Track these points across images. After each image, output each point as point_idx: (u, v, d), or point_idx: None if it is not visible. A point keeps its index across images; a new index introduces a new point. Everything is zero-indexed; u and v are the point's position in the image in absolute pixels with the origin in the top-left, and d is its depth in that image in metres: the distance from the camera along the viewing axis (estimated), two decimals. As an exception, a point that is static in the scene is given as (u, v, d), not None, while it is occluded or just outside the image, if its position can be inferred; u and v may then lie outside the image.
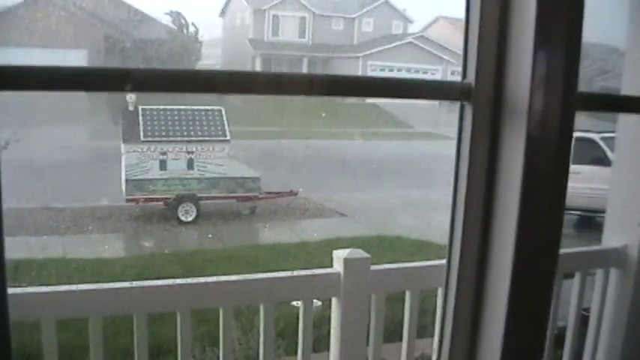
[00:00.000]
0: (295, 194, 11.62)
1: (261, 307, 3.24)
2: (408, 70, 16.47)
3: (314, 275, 3.47)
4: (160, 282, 3.21)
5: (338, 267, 3.33)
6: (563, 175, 2.14)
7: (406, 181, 13.31)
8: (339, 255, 3.32)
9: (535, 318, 2.29)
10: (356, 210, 11.94)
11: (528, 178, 2.03)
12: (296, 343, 3.41)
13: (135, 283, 3.16)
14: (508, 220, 2.14)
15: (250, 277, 3.33)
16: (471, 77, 2.14)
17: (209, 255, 9.91)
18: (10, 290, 2.86)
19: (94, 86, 1.96)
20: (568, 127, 2.12)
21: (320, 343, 3.68)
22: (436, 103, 16.87)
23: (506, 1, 2.07)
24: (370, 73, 16.50)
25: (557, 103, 2.07)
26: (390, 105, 16.08)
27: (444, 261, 3.77)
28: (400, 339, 3.64)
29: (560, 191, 2.15)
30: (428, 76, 16.83)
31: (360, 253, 3.38)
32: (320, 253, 9.78)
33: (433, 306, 3.69)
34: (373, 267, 3.38)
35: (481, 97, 2.14)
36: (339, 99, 16.47)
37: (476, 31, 2.12)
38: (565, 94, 2.09)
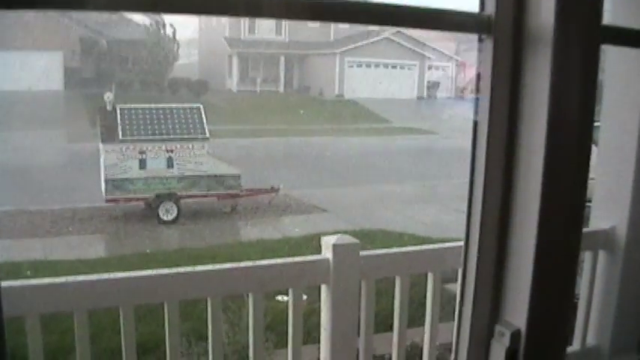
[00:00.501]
0: (276, 191, 11.58)
1: (250, 297, 3.19)
2: (386, 65, 16.52)
3: (303, 262, 3.43)
4: (146, 272, 3.16)
5: (327, 253, 3.30)
6: (589, 112, 2.05)
7: (386, 175, 13.31)
8: (328, 241, 3.29)
9: (560, 296, 2.24)
10: (337, 205, 11.93)
11: (553, 114, 1.97)
12: (283, 337, 3.37)
13: (120, 274, 3.11)
14: (533, 164, 2.07)
15: (239, 266, 3.28)
16: (491, 8, 2.04)
17: (191, 253, 9.84)
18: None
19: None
20: (593, 61, 2.05)
21: (307, 336, 3.63)
22: (414, 97, 16.97)
23: None
24: (347, 69, 16.52)
25: (582, 35, 1.99)
26: (369, 101, 16.11)
27: (431, 246, 3.74)
28: (388, 330, 3.62)
29: (585, 131, 2.07)
30: (405, 72, 16.89)
31: (349, 239, 3.35)
32: (303, 248, 9.75)
33: (420, 295, 3.67)
34: (362, 252, 3.35)
35: (502, 28, 2.04)
36: (316, 95, 16.50)
37: None
38: (590, 26, 2.02)
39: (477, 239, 2.26)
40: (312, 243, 10.05)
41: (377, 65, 16.26)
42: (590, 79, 2.06)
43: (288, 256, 9.15)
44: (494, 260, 2.24)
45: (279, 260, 3.39)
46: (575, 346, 3.48)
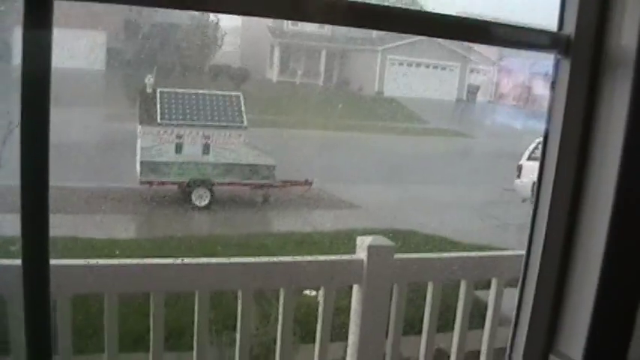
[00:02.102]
0: (310, 184, 11.55)
1: (282, 292, 3.19)
2: (427, 65, 16.39)
3: (337, 261, 3.43)
4: (180, 261, 3.17)
5: (361, 254, 3.29)
6: None
7: (420, 176, 13.24)
8: (364, 242, 3.28)
9: (621, 331, 2.15)
10: (370, 202, 11.88)
11: (630, 142, 1.91)
12: (310, 333, 3.37)
13: (155, 261, 3.13)
14: (603, 191, 2.00)
15: (272, 260, 3.30)
16: (570, 28, 1.96)
17: (221, 241, 9.86)
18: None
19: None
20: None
21: (334, 332, 3.61)
22: (453, 99, 16.83)
23: None
24: (389, 67, 16.44)
25: None
26: (408, 100, 15.99)
27: (467, 253, 3.71)
28: (416, 334, 3.60)
29: None
30: (446, 73, 16.77)
31: (385, 241, 3.33)
32: (333, 244, 9.73)
33: (451, 300, 3.64)
34: (397, 256, 3.33)
35: (581, 50, 1.96)
36: (355, 91, 16.44)
37: None
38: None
39: (538, 262, 2.20)
40: (342, 239, 10.04)
41: (418, 65, 16.13)
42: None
43: (317, 251, 9.20)
44: (555, 284, 2.17)
45: (312, 257, 3.38)
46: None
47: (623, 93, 1.89)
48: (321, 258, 3.37)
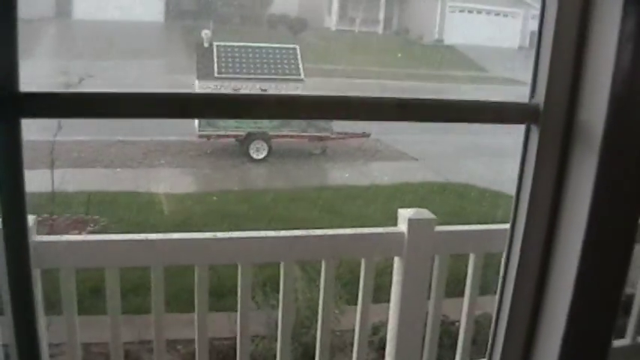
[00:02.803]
0: (367, 136, 11.54)
1: (323, 264, 3.23)
2: (489, 12, 16.08)
3: (378, 234, 3.45)
4: (221, 234, 3.23)
5: (402, 226, 3.30)
6: (634, 219, 1.98)
7: (479, 126, 13.09)
8: (404, 214, 3.29)
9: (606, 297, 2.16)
10: (427, 154, 11.82)
11: (594, 218, 1.90)
12: (357, 294, 3.42)
13: (196, 235, 3.20)
14: (568, 266, 2.02)
15: (314, 233, 3.33)
16: (540, 97, 1.97)
17: (277, 194, 9.96)
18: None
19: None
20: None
21: (379, 293, 3.65)
22: (515, 47, 16.54)
23: (586, 16, 1.90)
24: (449, 15, 16.19)
25: (636, 134, 1.90)
26: (468, 48, 15.75)
27: (507, 225, 3.70)
28: (462, 294, 3.62)
29: (629, 238, 1.99)
30: (508, 20, 16.43)
31: (426, 214, 3.34)
32: (389, 197, 9.74)
33: (498, 263, 3.64)
34: (438, 228, 3.33)
35: (550, 120, 1.96)
36: (414, 39, 16.25)
37: (549, 47, 1.95)
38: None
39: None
40: (398, 193, 10.05)
41: (479, 12, 15.84)
42: (637, 184, 1.96)
43: (373, 204, 9.20)
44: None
45: (353, 230, 3.41)
46: (627, 340, 3.44)
47: (591, 166, 1.87)
48: (362, 230, 3.39)
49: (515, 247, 2.13)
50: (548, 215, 2.04)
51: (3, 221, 1.75)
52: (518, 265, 2.12)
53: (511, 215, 2.15)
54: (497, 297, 2.24)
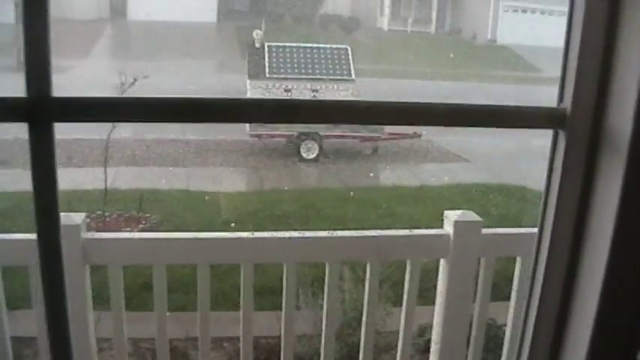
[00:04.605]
0: (419, 136, 11.51)
1: (368, 265, 3.23)
2: (542, 11, 15.90)
3: (423, 235, 3.44)
4: (267, 234, 3.25)
5: (448, 228, 3.29)
6: None
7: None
8: (450, 216, 3.27)
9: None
10: (479, 155, 11.73)
11: (622, 223, 1.86)
12: (402, 295, 3.41)
13: (242, 234, 3.22)
14: (595, 273, 1.98)
15: (359, 234, 3.33)
16: (567, 102, 1.95)
17: (328, 194, 9.98)
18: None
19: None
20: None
21: (424, 295, 3.65)
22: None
23: (613, 20, 1.87)
24: (502, 14, 16.05)
25: None
26: (522, 48, 15.59)
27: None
28: (509, 298, 3.59)
29: None
30: (563, 19, 16.22)
31: (472, 216, 3.32)
32: (440, 198, 9.70)
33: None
34: (484, 230, 3.31)
35: (577, 125, 1.93)
36: (467, 39, 16.14)
37: (576, 51, 1.92)
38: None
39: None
40: (449, 194, 10.00)
41: (533, 11, 15.67)
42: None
43: (424, 206, 9.15)
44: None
45: (399, 231, 3.41)
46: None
47: (618, 171, 1.83)
48: (408, 232, 3.38)
49: (543, 253, 2.11)
50: (575, 220, 2.01)
51: (37, 223, 1.79)
52: (545, 272, 2.10)
53: (539, 221, 2.12)
54: (525, 302, 2.21)
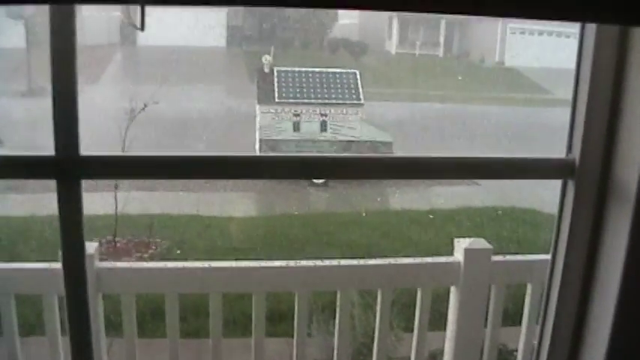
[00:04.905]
0: (428, 160, 11.49)
1: (379, 293, 3.25)
2: (550, 33, 15.92)
3: (434, 263, 3.46)
4: (278, 263, 3.28)
5: (459, 256, 3.31)
6: None
7: (544, 148, 12.94)
8: (461, 244, 3.29)
9: None
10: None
11: (630, 271, 1.89)
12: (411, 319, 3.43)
13: (253, 263, 3.25)
14: (604, 320, 2.00)
15: (370, 263, 3.36)
16: (576, 152, 1.99)
17: (338, 218, 9.98)
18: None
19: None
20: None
21: (434, 320, 3.66)
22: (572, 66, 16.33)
23: (620, 73, 1.90)
24: (509, 36, 16.08)
25: None
26: (530, 70, 15.60)
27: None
28: (520, 323, 3.60)
29: None
30: (570, 41, 16.24)
31: (482, 244, 3.34)
32: (449, 222, 9.69)
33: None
34: (494, 258, 3.33)
35: (586, 174, 1.98)
36: (475, 61, 16.17)
37: (584, 104, 1.96)
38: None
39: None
40: (458, 218, 9.98)
41: (540, 33, 15.69)
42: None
43: (434, 230, 9.15)
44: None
45: (410, 259, 3.43)
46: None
47: (625, 221, 1.86)
48: (418, 260, 3.40)
49: (552, 300, 2.13)
50: (584, 268, 2.03)
51: (64, 270, 1.83)
52: (555, 319, 2.12)
53: (549, 267, 2.15)
54: (537, 333, 2.23)
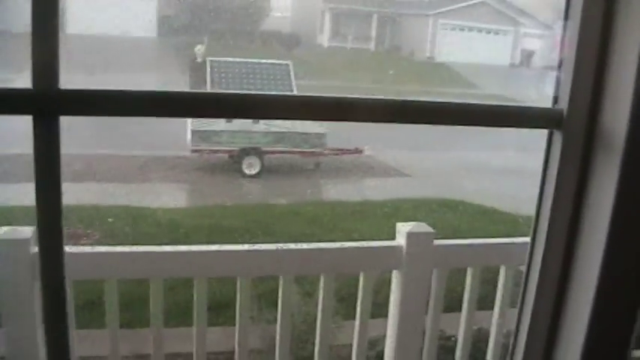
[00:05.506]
0: (360, 152, 11.53)
1: (322, 278, 3.24)
2: (480, 30, 16.15)
3: (376, 247, 3.46)
4: (219, 247, 3.23)
5: (401, 240, 3.31)
6: None
7: (472, 143, 13.13)
8: (403, 228, 3.30)
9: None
10: (420, 170, 11.83)
11: (617, 225, 1.91)
12: (353, 308, 3.42)
13: (195, 247, 3.20)
14: (589, 275, 2.01)
15: (312, 247, 3.34)
16: (564, 103, 1.99)
17: (271, 210, 9.95)
18: (76, 249, 2.94)
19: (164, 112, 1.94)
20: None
21: (376, 308, 3.66)
22: (506, 64, 16.60)
23: (609, 23, 1.92)
24: (441, 32, 16.25)
25: None
26: (459, 65, 15.81)
27: (506, 240, 3.71)
28: (459, 309, 3.63)
29: None
30: (499, 38, 16.49)
31: (424, 227, 3.35)
32: (382, 213, 9.74)
33: (494, 278, 3.65)
34: (436, 242, 3.35)
35: (573, 125, 1.98)
36: (406, 56, 16.30)
37: (573, 53, 1.96)
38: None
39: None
40: (391, 209, 10.05)
41: (470, 29, 15.91)
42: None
43: (367, 220, 9.18)
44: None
45: (352, 244, 3.42)
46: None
47: (613, 171, 1.89)
48: (361, 244, 3.40)
49: (537, 254, 2.13)
50: (569, 221, 2.05)
51: (38, 220, 1.76)
52: (539, 275, 2.13)
53: (533, 221, 2.15)
54: (517, 309, 2.24)
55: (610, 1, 1.89)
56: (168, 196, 10.20)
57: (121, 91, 1.76)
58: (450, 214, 9.78)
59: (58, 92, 1.66)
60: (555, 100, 2.03)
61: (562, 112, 1.99)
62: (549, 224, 2.08)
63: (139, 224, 8.88)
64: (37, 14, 1.60)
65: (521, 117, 2.12)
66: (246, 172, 10.87)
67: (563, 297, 2.11)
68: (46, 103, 1.66)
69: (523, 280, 2.20)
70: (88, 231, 8.25)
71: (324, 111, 2.04)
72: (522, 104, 2.05)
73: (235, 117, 1.94)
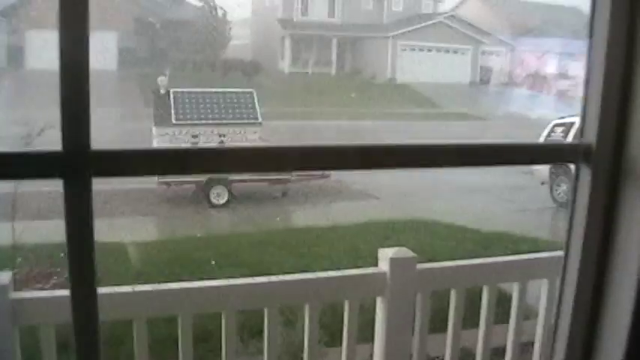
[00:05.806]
0: (327, 176, 11.54)
1: (306, 307, 3.22)
2: (439, 49, 16.32)
3: (359, 275, 3.45)
4: (203, 283, 3.21)
5: (384, 266, 3.30)
6: None
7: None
8: (386, 254, 3.29)
9: None
10: (388, 192, 11.87)
11: None
12: (337, 335, 3.40)
13: (177, 285, 3.16)
14: (622, 305, 2.00)
15: (296, 278, 3.33)
16: (591, 137, 1.98)
17: (241, 239, 9.90)
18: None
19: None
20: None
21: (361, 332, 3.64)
22: (466, 82, 16.78)
23: (631, 56, 1.93)
24: (400, 53, 16.39)
25: None
26: (421, 85, 15.95)
27: (490, 260, 3.71)
28: (443, 330, 3.62)
29: None
30: (458, 57, 16.65)
31: (406, 252, 3.35)
32: (354, 237, 9.75)
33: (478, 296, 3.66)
34: (419, 266, 3.34)
35: (602, 158, 1.98)
36: (367, 79, 16.40)
37: (599, 88, 1.96)
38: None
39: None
40: (362, 232, 10.06)
41: (430, 49, 16.09)
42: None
43: (338, 245, 9.14)
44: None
45: (335, 272, 3.41)
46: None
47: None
48: (343, 272, 3.40)
49: (568, 293, 2.12)
50: (598, 258, 2.04)
51: (70, 276, 1.73)
52: (571, 317, 2.11)
53: (564, 256, 2.14)
54: (552, 335, 2.22)
55: (632, 25, 1.90)
56: (137, 230, 10.11)
57: (151, 150, 1.75)
58: (422, 235, 9.83)
59: (90, 154, 1.64)
60: (582, 134, 2.02)
61: (590, 146, 1.98)
62: (581, 260, 2.07)
63: (107, 259, 8.76)
64: (66, 77, 1.58)
65: (550, 153, 2.11)
66: (215, 201, 10.84)
67: (594, 339, 2.10)
68: (78, 165, 1.64)
69: (555, 309, 2.19)
70: (58, 269, 8.12)
71: (297, 161, 2.01)
72: (549, 141, 2.06)
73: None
